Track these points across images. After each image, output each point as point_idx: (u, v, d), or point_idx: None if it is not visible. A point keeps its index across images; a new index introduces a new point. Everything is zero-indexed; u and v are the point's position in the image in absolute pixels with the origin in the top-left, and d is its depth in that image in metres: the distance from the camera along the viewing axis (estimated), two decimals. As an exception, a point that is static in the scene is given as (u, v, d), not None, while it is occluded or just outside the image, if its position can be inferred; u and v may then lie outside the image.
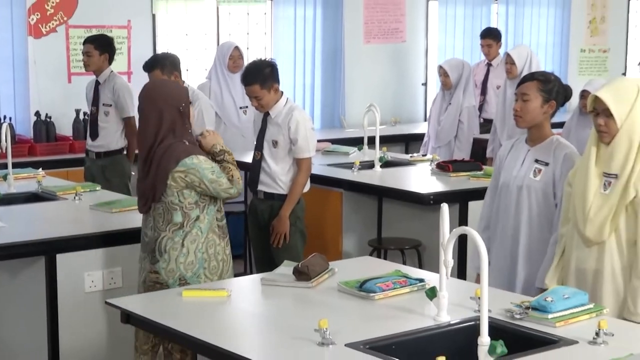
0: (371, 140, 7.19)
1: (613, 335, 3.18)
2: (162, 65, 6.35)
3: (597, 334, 3.17)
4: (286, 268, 4.00)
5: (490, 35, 9.29)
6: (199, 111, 6.35)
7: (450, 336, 3.34)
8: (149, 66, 6.41)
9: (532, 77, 4.48)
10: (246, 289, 3.97)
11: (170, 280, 4.17)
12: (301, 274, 3.87)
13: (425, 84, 10.26)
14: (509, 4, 10.75)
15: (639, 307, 3.76)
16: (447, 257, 3.23)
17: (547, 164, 4.35)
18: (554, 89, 4.41)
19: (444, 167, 6.45)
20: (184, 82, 6.49)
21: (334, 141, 7.92)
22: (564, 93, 4.48)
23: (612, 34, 11.52)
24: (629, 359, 2.80)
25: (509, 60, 7.74)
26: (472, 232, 3.07)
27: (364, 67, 9.73)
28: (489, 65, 9.28)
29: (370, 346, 3.14)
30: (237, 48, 7.84)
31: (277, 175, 5.70)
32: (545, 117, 4.42)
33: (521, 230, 4.40)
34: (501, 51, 9.23)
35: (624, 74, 11.46)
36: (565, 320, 3.35)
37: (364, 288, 3.72)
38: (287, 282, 3.88)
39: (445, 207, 3.46)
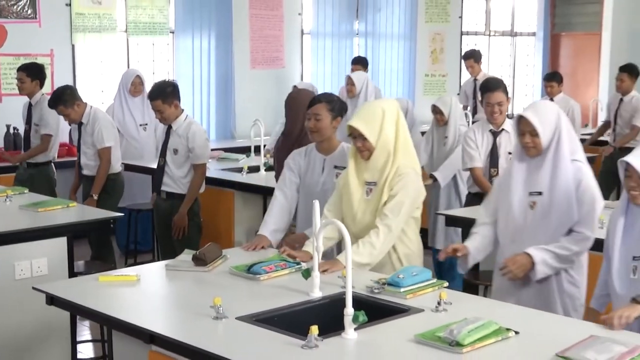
0: (257, 149, 7.21)
1: (451, 304, 3.23)
2: (64, 100, 6.19)
3: (438, 303, 3.22)
4: (186, 255, 3.94)
5: (360, 63, 9.34)
6: (99, 129, 6.22)
7: (321, 309, 3.34)
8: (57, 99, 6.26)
9: (319, 100, 4.34)
10: (153, 274, 3.88)
11: None
12: (199, 260, 3.82)
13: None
14: (368, 38, 10.85)
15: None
16: (319, 244, 3.22)
17: (344, 169, 4.22)
18: (336, 107, 4.32)
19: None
20: (86, 104, 6.31)
21: (226, 150, 7.89)
22: (343, 108, 4.38)
23: (449, 62, 11.76)
24: (462, 323, 2.85)
25: (350, 82, 7.78)
26: (338, 224, 3.07)
27: (250, 88, 9.70)
28: None
29: (257, 319, 3.12)
30: (138, 76, 7.68)
31: (178, 178, 5.67)
32: (334, 130, 4.34)
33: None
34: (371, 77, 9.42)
35: (459, 94, 11.70)
36: (413, 293, 3.39)
37: (251, 271, 3.69)
38: (187, 267, 3.82)
39: (316, 203, 3.47)
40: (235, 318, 3.10)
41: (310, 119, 4.32)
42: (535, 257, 3.65)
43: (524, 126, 3.65)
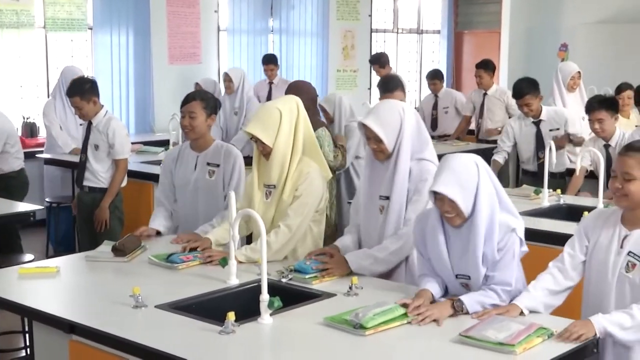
0: (175, 142, 7.12)
1: (362, 288, 3.26)
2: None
3: (350, 288, 3.24)
4: (106, 247, 3.87)
5: (272, 62, 9.31)
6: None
7: (238, 295, 3.33)
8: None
9: (193, 97, 4.21)
10: (72, 265, 3.80)
11: None
12: (118, 251, 3.76)
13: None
14: (282, 35, 10.84)
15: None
16: (235, 233, 3.20)
17: (217, 165, 4.22)
18: (210, 105, 4.23)
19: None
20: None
21: (146, 143, 7.77)
22: (217, 106, 4.30)
23: (359, 58, 11.84)
24: (369, 307, 2.87)
25: (227, 78, 7.71)
26: (254, 215, 3.06)
27: (168, 83, 9.58)
28: (270, 84, 9.31)
29: (175, 306, 3.09)
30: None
31: (99, 173, 5.56)
32: (208, 128, 4.25)
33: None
34: (279, 72, 9.35)
35: (369, 89, 11.82)
36: (319, 279, 3.41)
37: (169, 260, 3.65)
38: (106, 258, 3.75)
39: (232, 194, 3.45)
40: (154, 306, 3.07)
41: (184, 117, 4.21)
42: (352, 264, 3.48)
43: (368, 132, 3.46)
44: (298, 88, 5.37)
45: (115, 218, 5.59)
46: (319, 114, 5.70)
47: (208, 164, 4.27)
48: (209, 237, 3.87)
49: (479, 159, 3.10)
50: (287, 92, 5.39)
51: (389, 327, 2.82)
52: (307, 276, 3.39)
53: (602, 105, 5.47)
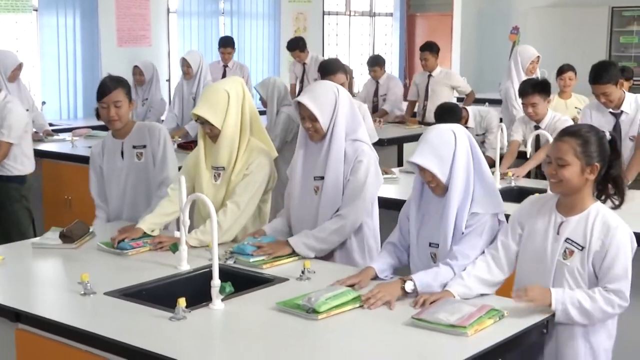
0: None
1: (315, 272, 3.27)
2: None
3: (302, 272, 3.24)
4: (53, 233, 3.80)
5: (229, 44, 9.19)
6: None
7: (189, 281, 3.31)
8: None
9: (115, 86, 4.06)
10: (19, 253, 3.72)
11: None
12: (65, 238, 3.70)
13: (168, 80, 10.08)
14: (233, 17, 10.75)
15: None
16: (185, 218, 3.17)
17: (144, 146, 4.14)
18: (129, 90, 4.11)
19: (186, 147, 6.34)
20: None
21: (94, 127, 7.64)
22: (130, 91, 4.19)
23: (311, 41, 11.77)
24: (321, 291, 2.88)
25: (185, 64, 7.58)
26: (204, 198, 3.03)
27: (117, 66, 9.39)
28: (225, 67, 9.21)
29: (125, 293, 3.06)
30: (20, 64, 7.11)
31: None
32: (129, 114, 4.14)
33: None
34: (234, 57, 9.26)
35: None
36: (270, 263, 3.40)
37: (118, 246, 3.61)
38: (53, 245, 3.69)
39: (182, 178, 3.41)
40: (104, 293, 3.03)
41: (108, 107, 4.05)
42: (291, 241, 3.50)
43: (303, 111, 3.48)
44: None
45: (23, 208, 5.50)
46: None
47: (134, 147, 4.17)
48: (140, 227, 3.75)
49: (458, 128, 3.16)
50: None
51: (341, 310, 2.83)
52: (251, 260, 3.39)
53: (535, 90, 5.53)
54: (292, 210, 3.69)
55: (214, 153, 3.81)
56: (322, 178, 3.53)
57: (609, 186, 2.98)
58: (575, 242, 2.92)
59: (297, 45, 9.61)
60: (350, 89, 8.21)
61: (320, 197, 3.54)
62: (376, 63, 8.72)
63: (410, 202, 3.28)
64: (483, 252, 3.09)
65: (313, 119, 3.46)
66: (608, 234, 2.87)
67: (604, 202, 2.99)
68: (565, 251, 2.94)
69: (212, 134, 3.77)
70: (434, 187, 3.14)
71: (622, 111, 5.26)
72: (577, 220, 2.94)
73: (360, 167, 3.48)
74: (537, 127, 5.55)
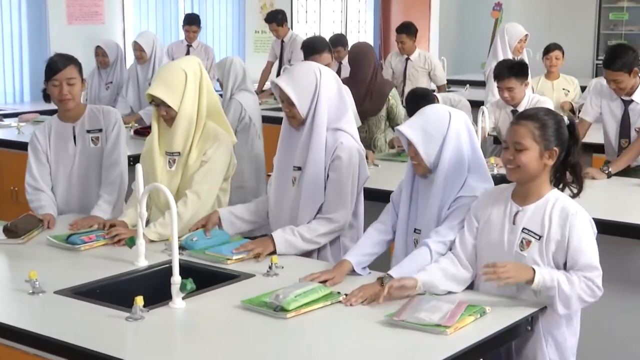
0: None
1: (283, 267, 3.27)
2: None
3: (270, 267, 3.25)
4: (-3, 228, 3.78)
5: (195, 22, 9.10)
6: None
7: (147, 278, 3.30)
8: None
9: (67, 63, 4.01)
10: (-41, 249, 3.70)
11: None
12: (10, 232, 3.67)
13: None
14: (194, -8, 10.71)
15: None
16: (142, 210, 3.15)
17: (100, 130, 4.12)
18: (81, 68, 4.08)
19: (143, 133, 6.31)
20: None
21: (42, 112, 7.58)
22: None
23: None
24: (290, 287, 2.88)
25: (138, 47, 7.53)
26: (163, 188, 3.01)
27: (68, 44, 9.25)
28: (189, 46, 9.15)
29: (77, 292, 3.05)
30: None
31: None
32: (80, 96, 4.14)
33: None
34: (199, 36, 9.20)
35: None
36: (238, 257, 3.40)
37: (69, 241, 3.59)
38: (-2, 240, 3.67)
39: (138, 167, 3.40)
40: (54, 292, 3.02)
41: (60, 85, 4.01)
42: (277, 239, 3.46)
43: (281, 94, 3.47)
44: (363, 52, 5.78)
45: None
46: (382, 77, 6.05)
47: (88, 131, 4.15)
48: (124, 219, 3.76)
49: (457, 112, 3.22)
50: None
51: (312, 308, 2.84)
52: (198, 248, 3.43)
53: (511, 73, 5.57)
54: (269, 201, 3.69)
55: (168, 138, 3.79)
56: (300, 169, 3.52)
57: (567, 174, 3.01)
58: (532, 232, 2.94)
59: (274, 18, 9.34)
60: (338, 71, 8.10)
61: (299, 189, 3.53)
62: (339, 43, 8.30)
63: (402, 186, 3.35)
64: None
65: (290, 103, 3.45)
66: (567, 221, 2.89)
67: (562, 190, 3.02)
68: (522, 241, 2.96)
69: (168, 116, 3.75)
70: (415, 164, 3.22)
71: (632, 100, 5.23)
72: (534, 209, 2.96)
73: (341, 165, 3.47)
74: (514, 112, 5.59)
